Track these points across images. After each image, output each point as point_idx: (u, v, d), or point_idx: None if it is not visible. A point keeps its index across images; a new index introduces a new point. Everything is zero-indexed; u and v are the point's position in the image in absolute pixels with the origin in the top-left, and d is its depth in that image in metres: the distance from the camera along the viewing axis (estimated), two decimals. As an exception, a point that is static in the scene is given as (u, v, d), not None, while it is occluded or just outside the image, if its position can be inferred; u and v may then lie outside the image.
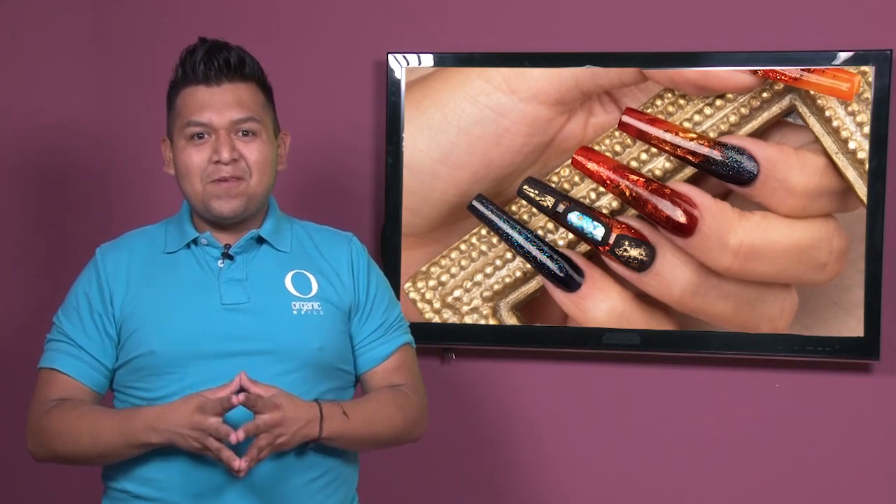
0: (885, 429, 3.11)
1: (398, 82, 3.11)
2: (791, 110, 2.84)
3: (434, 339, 3.10)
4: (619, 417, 3.23)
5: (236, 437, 2.07)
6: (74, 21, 3.44)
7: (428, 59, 3.12)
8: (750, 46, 2.99)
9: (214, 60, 2.26)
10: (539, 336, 3.07)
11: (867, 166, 2.84)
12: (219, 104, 2.26)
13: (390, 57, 3.14)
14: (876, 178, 2.89)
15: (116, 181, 3.47)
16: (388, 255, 3.12)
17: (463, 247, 2.98)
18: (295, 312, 2.26)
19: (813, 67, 2.86)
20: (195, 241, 2.32)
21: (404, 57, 3.12)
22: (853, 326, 2.90)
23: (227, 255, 2.30)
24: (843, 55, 2.90)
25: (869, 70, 2.88)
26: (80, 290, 2.33)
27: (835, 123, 2.80)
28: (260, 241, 2.33)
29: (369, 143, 3.28)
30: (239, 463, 2.09)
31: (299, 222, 2.43)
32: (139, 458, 2.22)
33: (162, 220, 2.44)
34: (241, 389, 2.12)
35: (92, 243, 2.40)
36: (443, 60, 3.10)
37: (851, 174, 2.81)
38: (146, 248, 2.35)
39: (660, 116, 2.87)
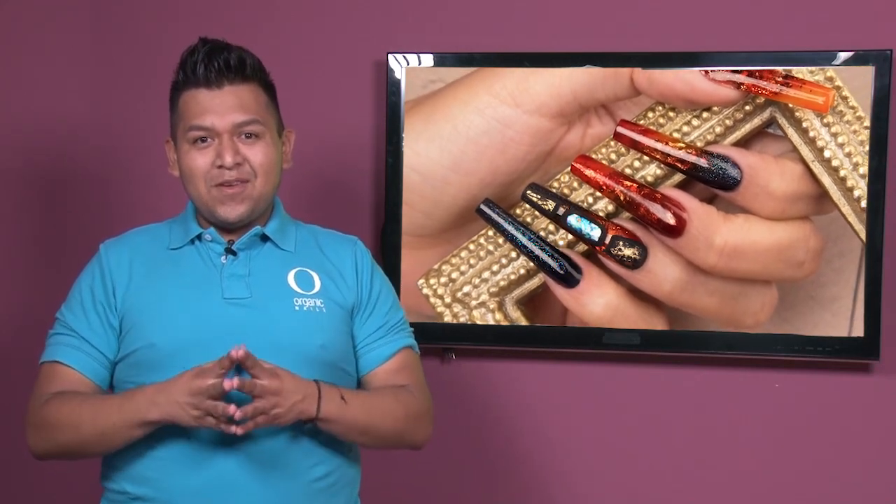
0: (885, 429, 3.05)
1: (398, 82, 3.07)
2: (771, 122, 2.87)
3: (434, 339, 3.05)
4: (619, 417, 3.17)
5: (231, 383, 2.00)
6: (74, 21, 3.36)
7: (428, 59, 3.07)
8: (750, 46, 2.96)
9: (214, 62, 2.19)
10: (539, 336, 3.05)
11: (842, 172, 2.83)
12: (220, 107, 2.19)
13: (390, 57, 3.09)
14: (876, 177, 2.86)
15: (116, 182, 3.38)
16: (388, 255, 3.08)
17: (472, 246, 3.00)
18: (297, 309, 2.21)
19: (792, 82, 2.83)
20: (199, 237, 2.27)
21: (404, 57, 3.07)
22: (829, 319, 2.90)
23: (230, 251, 2.25)
24: (843, 55, 2.87)
25: (869, 70, 2.85)
26: (83, 284, 2.28)
27: (811, 134, 2.82)
28: (264, 238, 2.28)
29: (369, 142, 3.22)
30: (233, 407, 2.01)
31: (304, 225, 2.38)
32: (137, 458, 2.16)
33: (165, 219, 2.38)
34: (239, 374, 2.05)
35: (92, 244, 2.36)
36: (443, 60, 3.06)
37: (826, 180, 2.83)
38: (150, 244, 2.30)
39: (651, 127, 2.89)
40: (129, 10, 3.37)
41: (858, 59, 2.86)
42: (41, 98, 3.34)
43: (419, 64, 3.07)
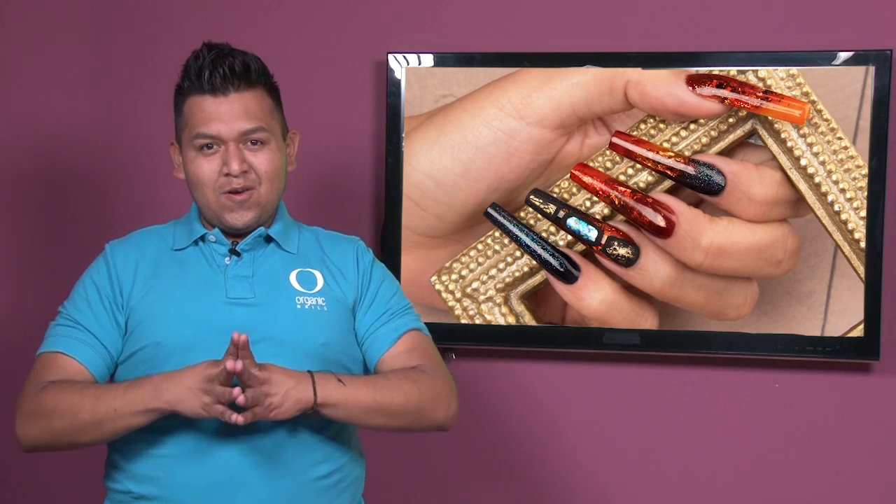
0: (885, 429, 3.01)
1: (398, 82, 3.05)
2: (752, 133, 2.91)
3: (434, 339, 2.70)
4: (619, 417, 3.13)
5: (233, 365, 1.95)
6: (74, 21, 3.32)
7: (428, 59, 3.06)
8: (750, 46, 2.94)
9: (219, 68, 2.14)
10: (539, 336, 3.05)
11: (817, 179, 2.85)
12: (226, 115, 2.15)
13: (390, 57, 3.06)
14: (876, 178, 2.84)
15: (117, 183, 3.32)
16: (388, 255, 3.08)
17: (480, 246, 3.05)
18: (299, 307, 2.19)
19: (771, 97, 2.84)
20: (203, 238, 2.24)
21: (404, 57, 3.06)
22: (804, 313, 2.92)
23: (234, 252, 2.22)
24: (843, 55, 2.85)
25: (869, 70, 2.84)
26: (88, 281, 2.23)
27: (789, 144, 2.87)
28: (268, 240, 2.25)
29: (369, 143, 3.19)
30: (237, 391, 1.95)
31: (307, 227, 2.36)
32: (141, 458, 2.13)
33: (168, 220, 2.35)
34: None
35: (93, 246, 2.34)
36: (443, 60, 3.05)
37: (803, 186, 2.87)
38: (155, 245, 2.26)
39: (643, 138, 2.94)
40: (129, 11, 3.32)
41: (858, 59, 2.85)
42: (41, 99, 3.30)
43: (419, 64, 3.06)
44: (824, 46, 2.92)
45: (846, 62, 2.86)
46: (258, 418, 2.00)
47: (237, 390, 1.97)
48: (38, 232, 3.35)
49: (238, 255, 2.22)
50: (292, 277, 2.23)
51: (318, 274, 2.25)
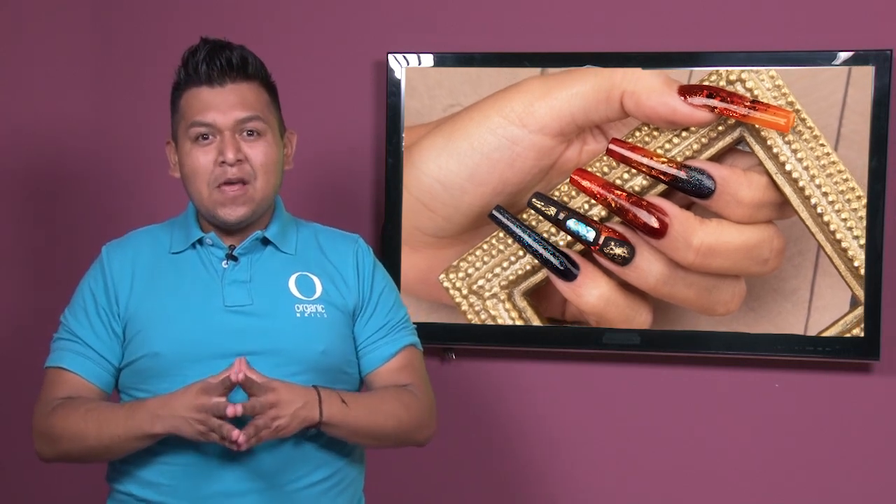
0: (885, 429, 2.99)
1: (398, 82, 3.06)
2: (741, 140, 2.96)
3: (434, 339, 3.01)
4: (618, 417, 3.13)
5: (234, 409, 1.94)
6: (74, 21, 3.30)
7: (428, 59, 3.07)
8: (750, 46, 2.95)
9: (217, 60, 2.12)
10: (539, 336, 3.08)
11: (801, 183, 2.90)
12: (222, 104, 2.12)
13: (390, 57, 3.06)
14: (876, 178, 2.84)
15: (117, 184, 3.31)
16: (388, 255, 3.09)
17: (485, 246, 3.11)
18: (298, 315, 2.17)
19: (758, 106, 2.87)
20: (200, 242, 2.21)
21: (404, 57, 3.06)
22: (789, 309, 2.97)
23: (231, 257, 2.19)
24: (843, 55, 2.85)
25: (851, 77, 2.84)
26: (86, 289, 2.22)
27: (775, 150, 2.93)
28: (265, 242, 2.22)
29: (369, 143, 3.19)
30: (237, 433, 1.94)
31: (305, 224, 2.34)
32: (144, 462, 2.13)
33: (166, 220, 2.32)
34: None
35: (93, 245, 2.32)
36: (443, 60, 3.06)
37: (787, 190, 2.93)
38: (152, 248, 2.23)
39: (638, 145, 2.99)
40: (129, 10, 3.29)
41: (858, 59, 2.85)
42: (41, 99, 3.28)
43: (419, 64, 3.07)
44: (824, 46, 2.92)
45: (846, 62, 2.86)
46: (263, 441, 2.02)
47: (236, 432, 1.97)
48: (39, 231, 3.33)
49: (235, 259, 2.19)
50: (291, 283, 2.21)
51: (316, 280, 2.23)
